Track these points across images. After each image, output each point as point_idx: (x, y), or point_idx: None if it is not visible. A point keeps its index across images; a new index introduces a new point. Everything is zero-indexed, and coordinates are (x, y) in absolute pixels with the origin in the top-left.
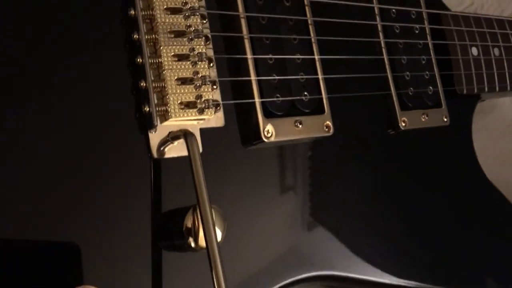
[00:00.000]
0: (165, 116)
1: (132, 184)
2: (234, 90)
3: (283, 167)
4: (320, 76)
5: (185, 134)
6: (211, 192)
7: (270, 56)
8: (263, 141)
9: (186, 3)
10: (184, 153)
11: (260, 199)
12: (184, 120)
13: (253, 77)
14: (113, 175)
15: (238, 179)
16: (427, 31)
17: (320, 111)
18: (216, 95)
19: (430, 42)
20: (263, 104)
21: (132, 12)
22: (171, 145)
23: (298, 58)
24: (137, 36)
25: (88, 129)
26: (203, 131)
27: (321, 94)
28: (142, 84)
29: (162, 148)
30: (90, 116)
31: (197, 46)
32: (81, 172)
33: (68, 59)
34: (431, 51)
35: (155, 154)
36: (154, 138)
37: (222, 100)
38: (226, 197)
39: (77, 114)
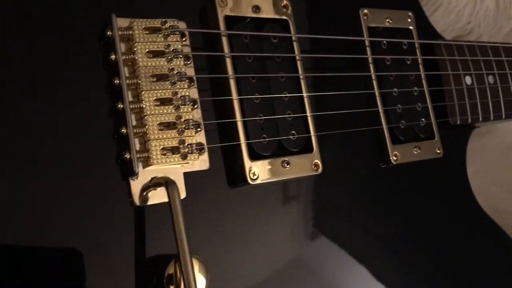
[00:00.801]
0: (147, 162)
1: (115, 232)
2: (220, 131)
3: (272, 206)
4: (308, 114)
5: (167, 183)
6: (196, 238)
7: (256, 95)
8: (249, 183)
9: (169, 45)
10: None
11: (248, 241)
12: (167, 165)
13: (238, 119)
14: (94, 223)
15: (225, 221)
16: (420, 61)
17: (309, 149)
18: (200, 137)
19: (422, 73)
20: (249, 145)
21: (113, 56)
22: (153, 191)
23: (286, 96)
24: (118, 81)
25: (69, 177)
26: (187, 174)
27: (309, 132)
28: (122, 130)
29: (144, 194)
30: (70, 163)
31: (180, 90)
32: (63, 221)
33: (47, 104)
34: (424, 82)
35: (137, 201)
36: (136, 184)
37: (207, 141)
38: (212, 241)
39: (58, 162)
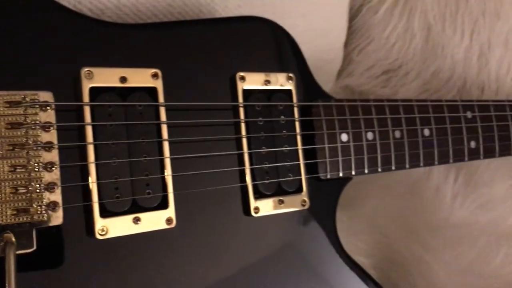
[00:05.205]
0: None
1: None
2: (83, 190)
3: (131, 259)
4: (166, 174)
5: (6, 243)
6: None
7: (114, 159)
8: (98, 238)
9: (26, 117)
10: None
11: None
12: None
13: (92, 181)
14: None
15: (74, 272)
16: (296, 119)
17: (164, 206)
18: (55, 196)
19: (298, 133)
20: (102, 204)
21: None
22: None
23: (145, 159)
24: None
25: None
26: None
27: (166, 191)
28: None
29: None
30: None
31: (34, 157)
32: None
33: None
34: (298, 140)
35: None
36: None
37: (70, 198)
38: None
39: None
